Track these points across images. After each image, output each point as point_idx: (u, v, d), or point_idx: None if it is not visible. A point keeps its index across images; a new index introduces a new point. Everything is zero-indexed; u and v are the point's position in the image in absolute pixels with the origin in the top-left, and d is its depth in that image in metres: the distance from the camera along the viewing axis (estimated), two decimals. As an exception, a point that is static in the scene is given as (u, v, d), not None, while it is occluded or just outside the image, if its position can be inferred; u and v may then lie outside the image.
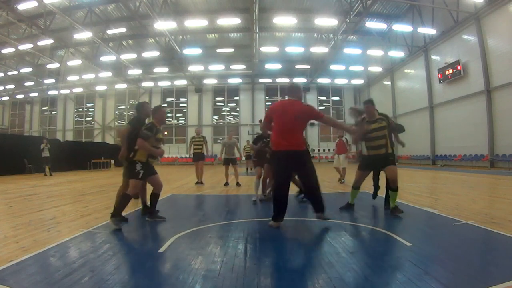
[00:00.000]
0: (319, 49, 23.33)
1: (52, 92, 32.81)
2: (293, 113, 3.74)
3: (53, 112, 35.46)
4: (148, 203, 4.34)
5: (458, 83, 18.27)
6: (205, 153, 9.38)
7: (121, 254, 2.86)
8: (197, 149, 9.27)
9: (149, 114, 4.32)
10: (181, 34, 24.17)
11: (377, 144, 4.40)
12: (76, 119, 35.10)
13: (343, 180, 9.31)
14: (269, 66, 28.64)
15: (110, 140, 31.93)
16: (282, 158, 3.75)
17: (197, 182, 9.37)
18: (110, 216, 3.77)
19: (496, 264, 2.48)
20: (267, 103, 32.81)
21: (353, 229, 3.77)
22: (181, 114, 33.16)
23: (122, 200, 3.84)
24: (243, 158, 14.84)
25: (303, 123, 3.89)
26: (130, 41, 26.23)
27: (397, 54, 23.82)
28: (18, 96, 34.56)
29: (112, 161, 23.81)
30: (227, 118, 33.22)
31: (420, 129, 21.55)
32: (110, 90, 32.96)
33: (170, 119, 32.12)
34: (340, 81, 31.00)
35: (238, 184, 8.81)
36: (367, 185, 7.93)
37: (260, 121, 6.44)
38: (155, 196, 4.24)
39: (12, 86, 31.98)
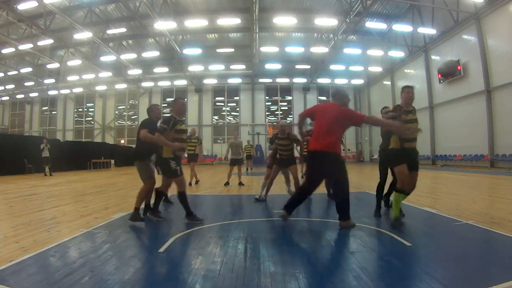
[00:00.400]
0: (319, 49, 23.32)
1: (52, 92, 32.81)
2: (331, 116, 3.78)
3: (53, 112, 35.46)
4: (152, 203, 4.35)
5: (458, 83, 18.26)
6: (199, 154, 9.31)
7: (121, 254, 2.86)
8: (191, 150, 9.20)
9: (159, 116, 4.35)
10: (181, 34, 24.16)
11: (414, 136, 3.99)
12: (76, 119, 35.09)
13: None
14: (269, 66, 28.63)
15: (110, 140, 31.94)
16: (312, 157, 3.85)
17: (196, 182, 9.36)
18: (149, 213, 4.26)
19: (496, 264, 2.48)
20: (267, 103, 32.87)
21: (353, 229, 3.76)
22: (181, 114, 33.18)
23: (182, 199, 4.03)
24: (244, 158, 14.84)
25: (341, 127, 3.89)
26: (130, 41, 26.23)
27: (397, 54, 23.81)
28: (18, 96, 34.56)
29: (112, 161, 23.83)
30: (227, 118, 33.23)
31: (420, 129, 21.54)
32: (110, 90, 32.96)
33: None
34: (340, 81, 30.98)
35: (241, 183, 8.83)
36: (367, 185, 7.94)
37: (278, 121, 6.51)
38: (160, 195, 4.26)
39: (12, 86, 31.97)
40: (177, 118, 4.02)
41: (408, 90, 4.01)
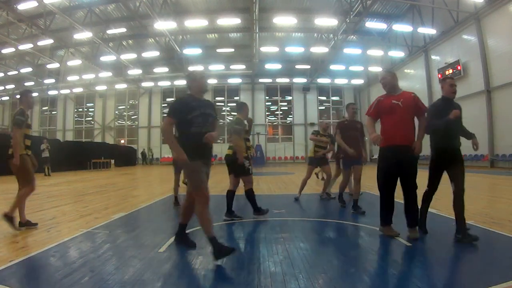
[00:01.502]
0: (319, 49, 23.32)
1: (52, 92, 32.79)
2: None
3: (53, 112, 35.44)
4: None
5: (458, 83, 17.88)
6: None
7: (121, 254, 2.86)
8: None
9: (203, 88, 3.10)
10: (181, 34, 24.15)
11: None
12: (76, 119, 35.07)
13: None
14: (269, 66, 28.63)
15: (110, 140, 31.92)
16: None
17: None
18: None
19: (496, 264, 2.48)
20: (267, 103, 32.88)
21: (354, 229, 3.77)
22: (181, 114, 33.19)
23: (249, 196, 4.34)
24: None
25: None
26: (130, 41, 26.22)
27: (397, 54, 23.82)
28: (18, 96, 34.50)
29: (112, 161, 23.82)
30: (227, 118, 33.20)
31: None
32: (110, 90, 32.93)
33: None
34: (340, 81, 31.00)
35: None
36: (367, 185, 7.93)
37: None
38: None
39: (12, 86, 31.97)
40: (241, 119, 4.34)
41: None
